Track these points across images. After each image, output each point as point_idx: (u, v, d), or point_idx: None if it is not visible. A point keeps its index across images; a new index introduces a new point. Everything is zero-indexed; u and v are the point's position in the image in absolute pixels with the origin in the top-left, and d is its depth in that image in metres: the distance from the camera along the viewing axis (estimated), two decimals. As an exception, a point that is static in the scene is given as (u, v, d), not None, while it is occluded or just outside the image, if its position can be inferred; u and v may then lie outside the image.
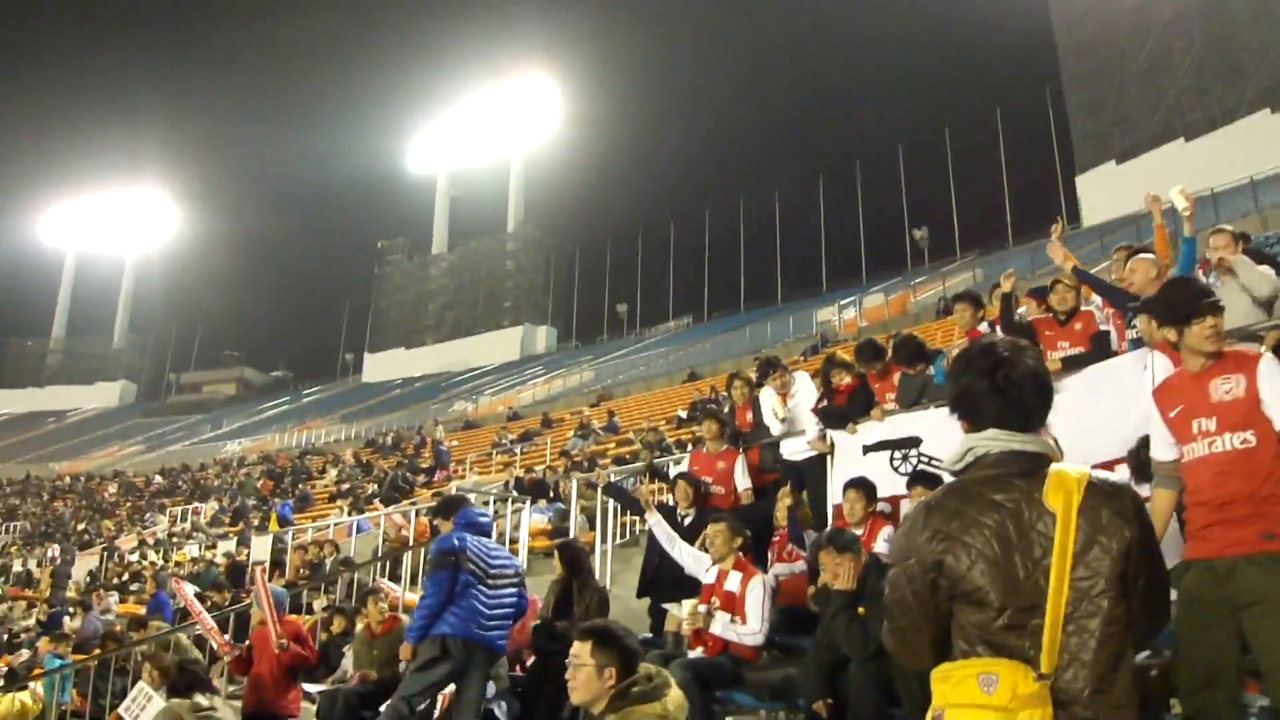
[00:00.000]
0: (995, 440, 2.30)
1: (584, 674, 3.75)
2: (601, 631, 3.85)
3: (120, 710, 7.21)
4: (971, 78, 77.13)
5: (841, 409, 7.76)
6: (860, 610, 4.84)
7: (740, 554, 6.45)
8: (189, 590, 10.55)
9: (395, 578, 11.49)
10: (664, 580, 7.39)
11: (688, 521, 7.56)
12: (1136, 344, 6.30)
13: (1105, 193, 43.03)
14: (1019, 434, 2.30)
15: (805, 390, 8.45)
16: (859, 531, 6.26)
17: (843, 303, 38.29)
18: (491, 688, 6.78)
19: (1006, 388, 2.31)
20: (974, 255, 47.05)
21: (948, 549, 2.23)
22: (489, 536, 6.35)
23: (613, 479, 9.58)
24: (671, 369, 40.38)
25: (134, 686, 7.09)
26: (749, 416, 8.71)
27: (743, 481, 8.32)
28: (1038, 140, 56.14)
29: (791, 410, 8.23)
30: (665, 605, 6.70)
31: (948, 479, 2.41)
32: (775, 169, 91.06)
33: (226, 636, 7.50)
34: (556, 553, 7.63)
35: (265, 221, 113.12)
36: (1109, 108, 48.95)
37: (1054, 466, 2.25)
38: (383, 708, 6.06)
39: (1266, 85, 41.75)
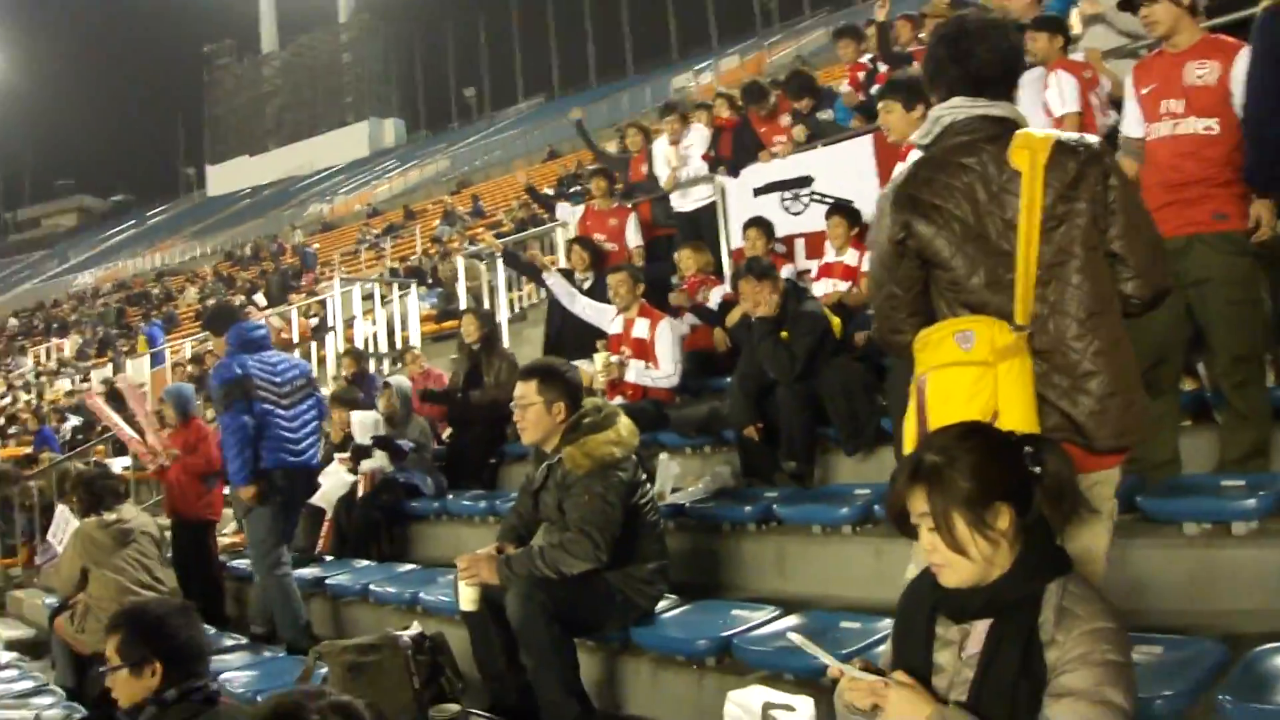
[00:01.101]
0: (958, 108, 2.33)
1: (534, 412, 3.75)
2: (545, 368, 3.84)
3: (48, 536, 7.11)
4: None
5: (732, 160, 7.79)
6: (783, 334, 4.96)
7: (644, 301, 6.53)
8: (101, 402, 10.16)
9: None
10: (567, 342, 7.41)
11: (586, 285, 7.50)
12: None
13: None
14: (983, 100, 2.32)
15: (699, 140, 8.32)
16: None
17: (697, 68, 37.77)
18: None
19: (964, 58, 2.34)
20: (825, 11, 46.58)
21: (915, 213, 2.30)
22: (267, 350, 5.64)
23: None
24: (530, 149, 39.48)
25: (56, 513, 6.96)
26: (644, 169, 8.60)
27: (634, 239, 8.30)
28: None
29: (684, 159, 8.16)
30: (575, 363, 6.77)
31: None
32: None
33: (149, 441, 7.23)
34: (471, 320, 7.55)
35: (83, 39, 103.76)
36: None
37: (1020, 130, 2.28)
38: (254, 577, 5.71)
39: None
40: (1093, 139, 2.32)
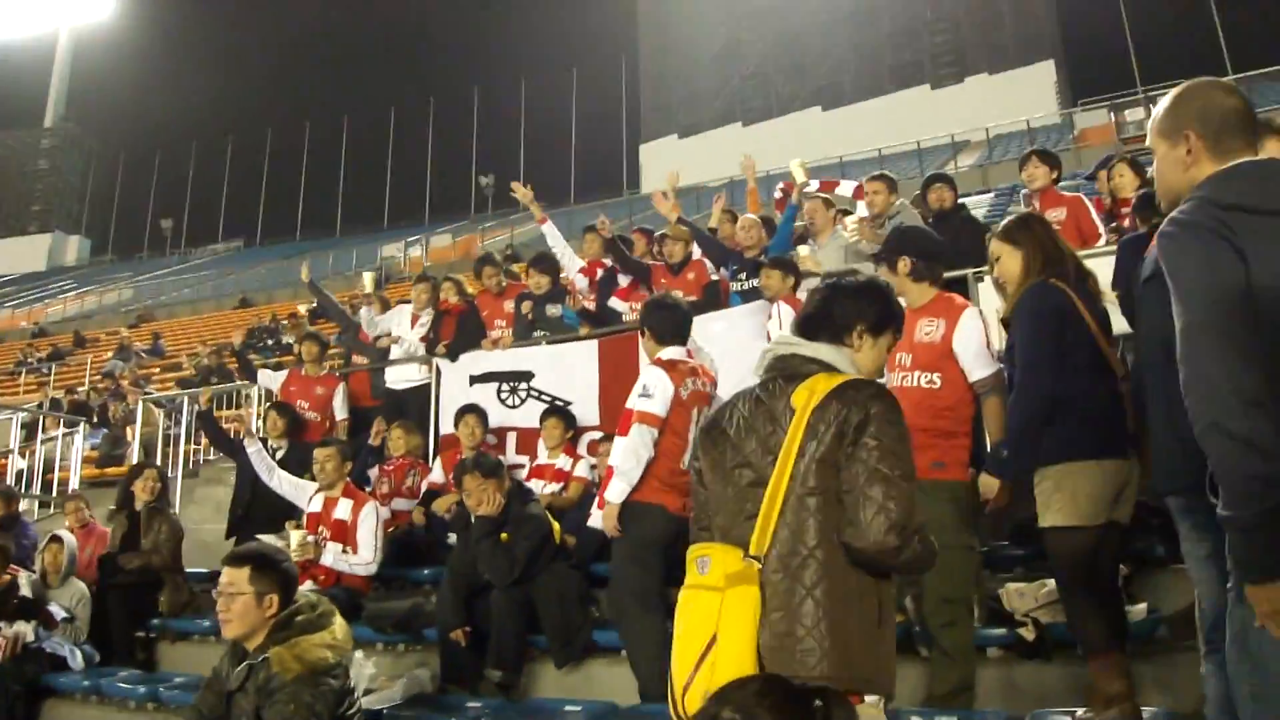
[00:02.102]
0: (781, 344, 2.43)
1: (241, 603, 3.38)
2: (260, 556, 3.49)
3: None
4: (554, 33, 78.89)
5: (454, 341, 7.75)
6: (504, 536, 4.87)
7: (349, 480, 6.26)
8: None
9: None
10: (256, 515, 6.94)
11: (280, 454, 7.12)
12: (741, 296, 6.94)
13: (666, 163, 46.55)
14: (801, 339, 2.42)
15: (426, 319, 8.13)
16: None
17: (410, 239, 38.02)
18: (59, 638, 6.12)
19: (808, 304, 2.54)
20: (542, 205, 48.66)
21: (704, 440, 2.42)
22: None
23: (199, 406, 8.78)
24: (221, 293, 38.16)
25: None
26: (364, 326, 8.36)
27: (341, 411, 8.00)
28: (609, 105, 59.26)
29: (409, 336, 8.04)
30: (261, 538, 6.32)
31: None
32: (347, 95, 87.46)
33: None
34: (152, 477, 6.93)
35: None
36: (678, 84, 52.92)
37: (823, 373, 2.31)
38: None
39: (820, 85, 47.63)
40: (875, 382, 2.34)
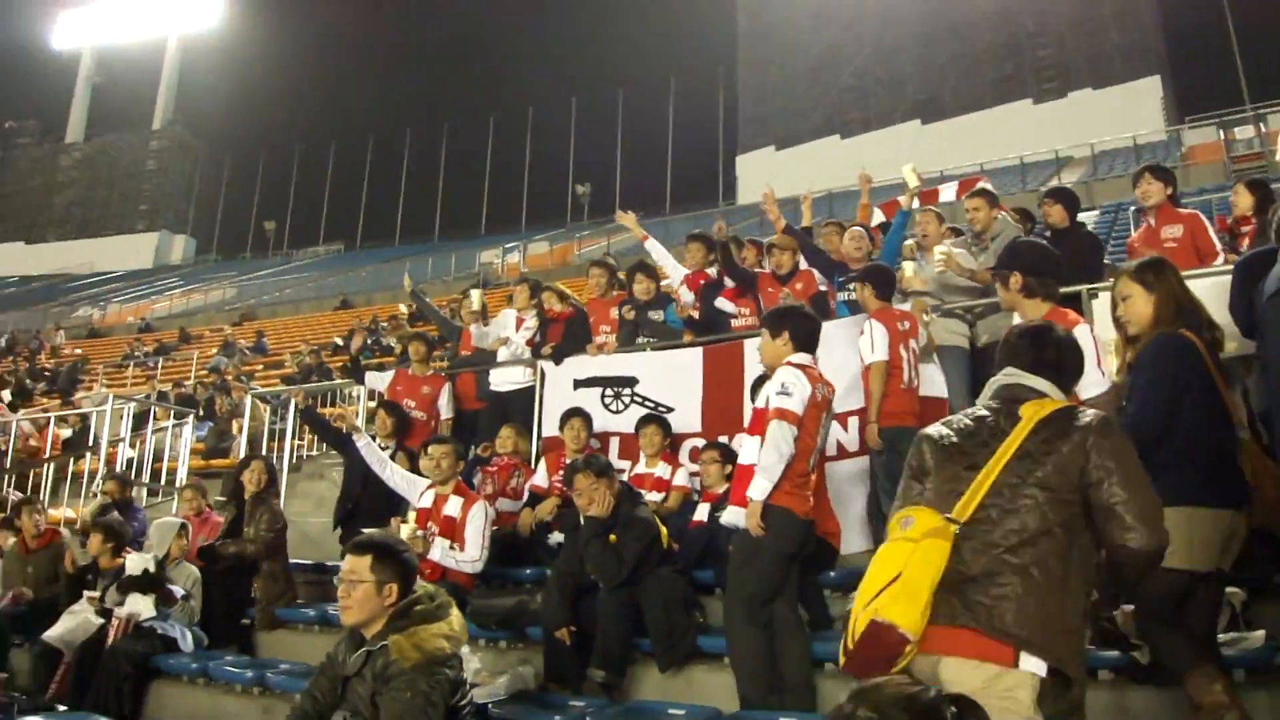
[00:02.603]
0: (1008, 376, 2.88)
1: (362, 591, 3.46)
2: (383, 545, 3.56)
3: None
4: (653, 44, 79.07)
5: (559, 345, 7.82)
6: (612, 538, 4.90)
7: (461, 479, 6.35)
8: None
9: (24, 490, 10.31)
10: (364, 512, 7.10)
11: (387, 454, 7.26)
12: (849, 306, 6.87)
13: (763, 175, 46.30)
14: (1030, 375, 2.86)
15: (533, 325, 8.19)
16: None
17: (507, 246, 38.56)
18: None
19: (1033, 349, 2.93)
20: (639, 216, 48.91)
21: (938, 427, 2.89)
22: None
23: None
24: (322, 294, 39.07)
25: None
26: (474, 341, 8.42)
27: (446, 410, 8.14)
28: (706, 116, 59.28)
29: (515, 339, 8.13)
30: (369, 531, 6.44)
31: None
32: (446, 104, 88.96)
33: None
34: (259, 468, 7.13)
35: None
36: (776, 96, 52.78)
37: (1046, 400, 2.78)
38: None
39: (920, 98, 47.10)
40: (1091, 414, 2.69)
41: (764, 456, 4.38)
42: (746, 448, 4.52)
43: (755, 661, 4.33)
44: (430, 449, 6.31)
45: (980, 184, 7.95)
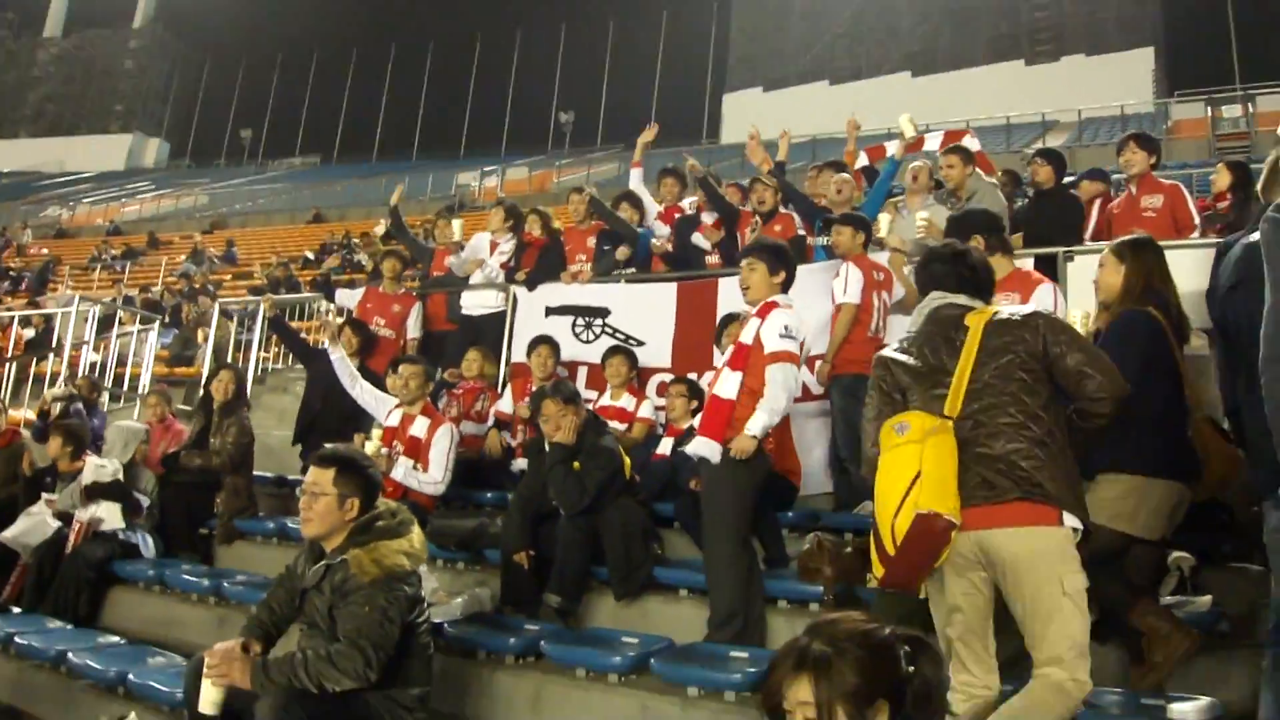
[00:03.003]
0: (938, 299, 3.17)
1: (324, 504, 3.44)
2: (346, 459, 3.55)
3: None
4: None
5: (533, 271, 7.77)
6: (575, 465, 4.90)
7: (429, 400, 6.33)
8: None
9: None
10: (322, 427, 7.06)
11: (350, 370, 7.28)
12: (826, 252, 6.84)
13: (748, 116, 45.94)
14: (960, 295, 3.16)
15: (507, 249, 8.14)
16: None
17: (486, 169, 38.11)
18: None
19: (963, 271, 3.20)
20: (619, 147, 48.49)
21: (897, 354, 3.14)
22: None
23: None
24: (295, 207, 38.52)
25: None
26: (447, 261, 8.27)
27: (415, 329, 8.07)
28: (696, 52, 58.56)
29: (490, 262, 8.06)
30: (330, 446, 6.42)
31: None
32: (433, 20, 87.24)
33: None
34: (228, 377, 7.06)
35: None
36: (768, 37, 52.21)
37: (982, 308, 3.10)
38: None
39: (912, 50, 46.75)
40: (1028, 308, 3.06)
41: (771, 398, 4.40)
42: (725, 381, 4.49)
43: (739, 585, 4.36)
44: (400, 368, 6.29)
45: (960, 140, 7.94)
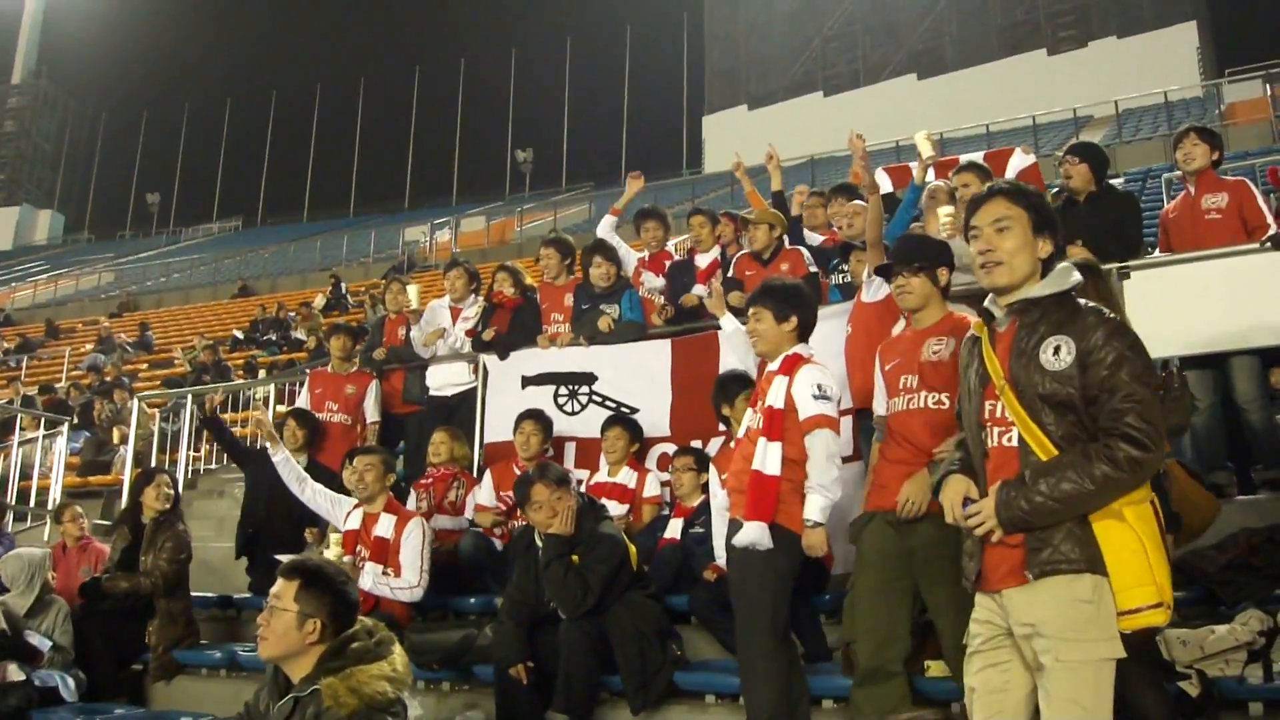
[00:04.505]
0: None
1: (281, 622, 3.41)
2: (314, 572, 3.52)
3: None
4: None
5: (504, 336, 7.83)
6: (574, 558, 4.92)
7: (391, 493, 6.34)
8: None
9: None
10: (271, 535, 7.15)
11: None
12: (842, 291, 6.91)
13: (733, 139, 46.22)
14: None
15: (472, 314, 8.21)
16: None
17: (436, 222, 38.33)
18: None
19: None
20: (588, 187, 48.91)
21: None
22: None
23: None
24: (218, 279, 38.62)
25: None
26: (401, 333, 8.42)
27: (373, 412, 8.15)
28: (667, 70, 59.27)
29: (454, 331, 8.09)
30: (281, 557, 6.41)
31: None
32: (364, 55, 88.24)
33: None
34: (164, 484, 7.03)
35: None
36: (749, 47, 53.06)
37: None
38: None
39: (916, 50, 47.54)
40: None
41: (819, 473, 4.45)
42: (766, 454, 4.50)
43: (783, 691, 4.37)
44: (354, 460, 6.32)
45: (1007, 158, 8.03)
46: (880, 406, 4.54)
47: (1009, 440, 3.07)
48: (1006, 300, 3.14)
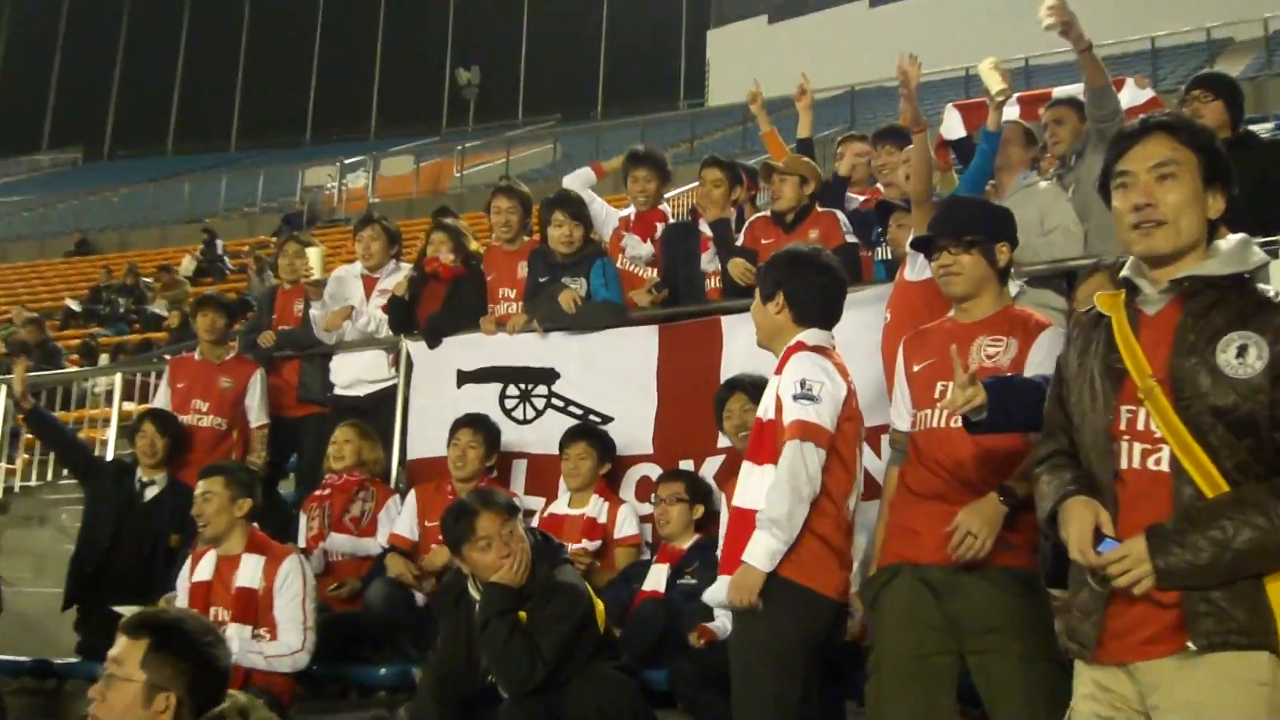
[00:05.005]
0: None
1: (122, 698, 3.38)
2: (168, 628, 3.50)
3: None
4: None
5: (437, 316, 7.84)
6: (522, 615, 4.92)
7: (255, 526, 6.32)
8: None
9: None
10: (113, 579, 7.19)
11: (153, 492, 7.40)
12: (887, 267, 6.93)
13: (748, 61, 45.97)
14: None
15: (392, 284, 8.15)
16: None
17: (347, 161, 38.12)
18: None
19: None
20: (552, 121, 48.80)
21: None
22: None
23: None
24: (47, 231, 38.57)
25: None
26: (297, 309, 8.41)
27: (258, 413, 8.15)
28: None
29: (367, 310, 8.09)
30: (121, 609, 6.40)
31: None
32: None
33: None
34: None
35: None
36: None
37: None
38: None
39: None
40: None
41: (773, 501, 4.36)
42: (748, 482, 4.52)
43: None
44: (200, 485, 6.27)
45: (1067, 91, 8.05)
46: (903, 419, 4.51)
47: (1156, 463, 2.97)
48: (1166, 273, 3.04)
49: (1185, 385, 2.88)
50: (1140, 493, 2.97)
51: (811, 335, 4.65)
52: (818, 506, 4.41)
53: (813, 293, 4.70)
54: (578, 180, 8.22)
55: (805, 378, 4.46)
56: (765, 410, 4.60)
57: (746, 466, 4.59)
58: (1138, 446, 2.99)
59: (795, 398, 4.44)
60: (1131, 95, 8.06)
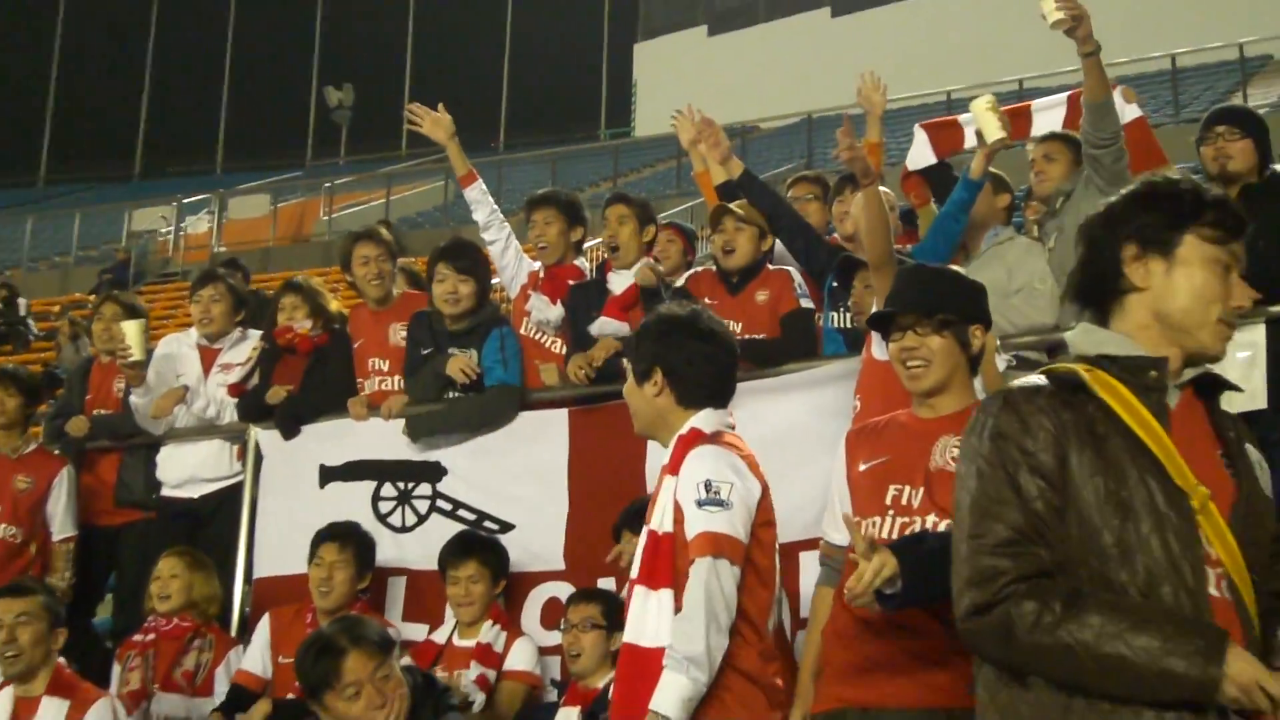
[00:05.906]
0: None
1: None
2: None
3: None
4: None
5: (293, 398, 7.79)
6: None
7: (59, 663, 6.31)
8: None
9: None
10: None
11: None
12: (843, 336, 6.96)
13: (683, 80, 46.36)
14: None
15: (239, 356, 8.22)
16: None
17: (186, 200, 38.06)
18: None
19: None
20: (438, 154, 48.71)
21: None
22: None
23: None
24: None
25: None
26: (117, 387, 8.34)
27: (64, 524, 8.04)
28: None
29: (206, 389, 8.05)
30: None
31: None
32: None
33: None
34: None
35: None
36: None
37: None
38: None
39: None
40: None
41: (685, 634, 4.25)
42: (646, 612, 4.42)
43: None
44: (7, 606, 6.24)
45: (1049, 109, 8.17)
46: (839, 530, 4.51)
47: (1219, 589, 2.97)
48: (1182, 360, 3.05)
49: (1239, 502, 2.95)
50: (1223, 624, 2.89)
51: (705, 420, 4.59)
52: (737, 634, 4.31)
53: (697, 366, 4.61)
54: (483, 212, 8.08)
55: (710, 478, 4.39)
56: (660, 521, 4.49)
57: (640, 593, 4.45)
58: (1213, 574, 2.95)
59: (700, 504, 4.34)
60: (1120, 106, 8.12)
